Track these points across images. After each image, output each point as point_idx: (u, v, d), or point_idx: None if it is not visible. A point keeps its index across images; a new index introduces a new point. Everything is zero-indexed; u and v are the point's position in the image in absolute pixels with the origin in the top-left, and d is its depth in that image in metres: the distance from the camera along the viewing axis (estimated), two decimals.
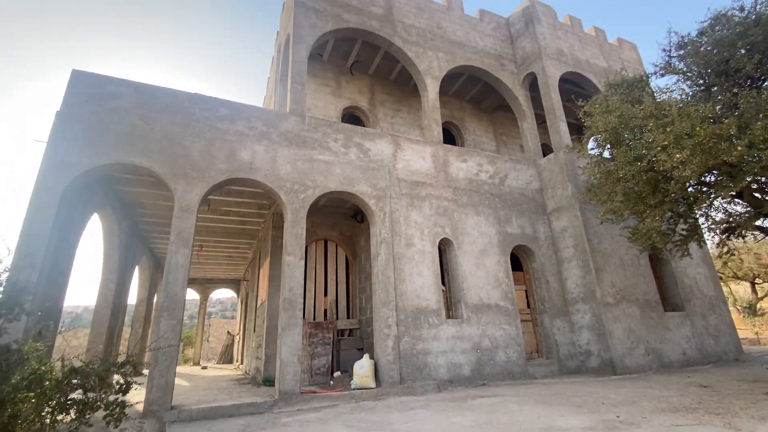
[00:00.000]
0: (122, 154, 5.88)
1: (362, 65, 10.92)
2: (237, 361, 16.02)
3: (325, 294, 9.39)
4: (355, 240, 10.01)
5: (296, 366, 5.95)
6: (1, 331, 2.52)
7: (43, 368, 2.22)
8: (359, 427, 4.30)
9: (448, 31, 10.33)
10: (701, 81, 6.49)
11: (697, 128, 4.46)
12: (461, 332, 7.43)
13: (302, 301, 6.37)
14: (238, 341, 16.40)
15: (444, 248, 8.34)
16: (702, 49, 6.22)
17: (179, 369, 15.95)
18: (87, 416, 2.40)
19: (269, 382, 7.69)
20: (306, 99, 7.87)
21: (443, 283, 8.14)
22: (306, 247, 9.16)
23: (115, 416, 2.40)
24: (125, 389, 2.52)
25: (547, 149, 12.52)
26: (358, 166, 7.68)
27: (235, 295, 20.92)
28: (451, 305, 8.05)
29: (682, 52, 6.66)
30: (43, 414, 2.21)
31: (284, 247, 6.58)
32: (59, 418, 2.31)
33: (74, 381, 2.37)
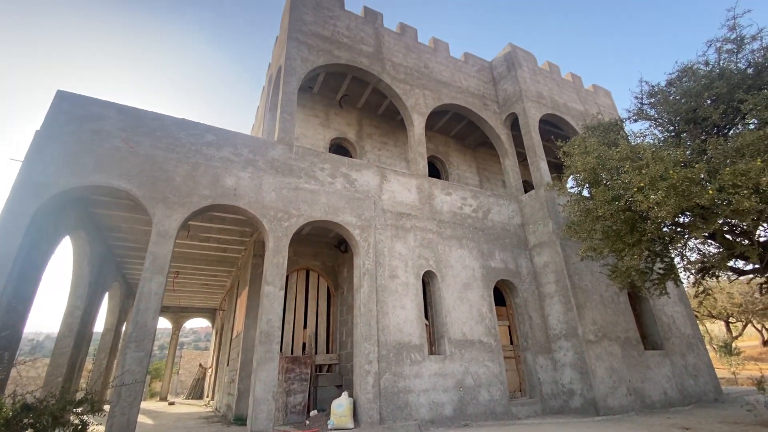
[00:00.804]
0: (101, 176, 5.73)
1: (351, 99, 11.20)
2: (207, 397, 15.10)
3: (305, 326, 9.09)
4: (337, 270, 9.85)
5: (270, 404, 5.63)
6: None
7: None
8: None
9: (434, 71, 10.78)
10: (671, 127, 6.89)
11: (671, 171, 4.67)
12: (444, 369, 7.23)
13: (280, 333, 6.13)
14: (210, 375, 15.54)
15: (428, 281, 8.28)
16: (671, 98, 6.65)
17: (145, 405, 14.89)
18: None
19: (241, 420, 7.23)
20: (294, 128, 7.95)
21: (426, 316, 8.01)
22: (287, 277, 8.96)
23: None
24: (81, 430, 2.30)
25: (528, 186, 12.89)
26: (344, 195, 7.69)
27: (210, 325, 20.03)
28: (434, 340, 7.88)
29: (653, 100, 7.11)
30: None
31: (264, 277, 6.40)
32: None
33: (25, 420, 2.14)
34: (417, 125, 9.57)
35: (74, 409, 2.35)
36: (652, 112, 7.19)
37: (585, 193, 7.52)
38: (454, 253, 8.48)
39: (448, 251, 8.43)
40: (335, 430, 5.98)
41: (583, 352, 7.87)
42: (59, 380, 7.61)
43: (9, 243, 4.90)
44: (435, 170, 12.35)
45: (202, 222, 8.31)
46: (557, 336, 8.52)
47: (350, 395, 6.59)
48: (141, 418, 9.22)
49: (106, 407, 7.68)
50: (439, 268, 8.14)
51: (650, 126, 7.15)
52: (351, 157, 10.57)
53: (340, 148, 10.99)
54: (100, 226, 8.38)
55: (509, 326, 9.22)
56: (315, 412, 7.35)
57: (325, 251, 9.81)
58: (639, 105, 7.29)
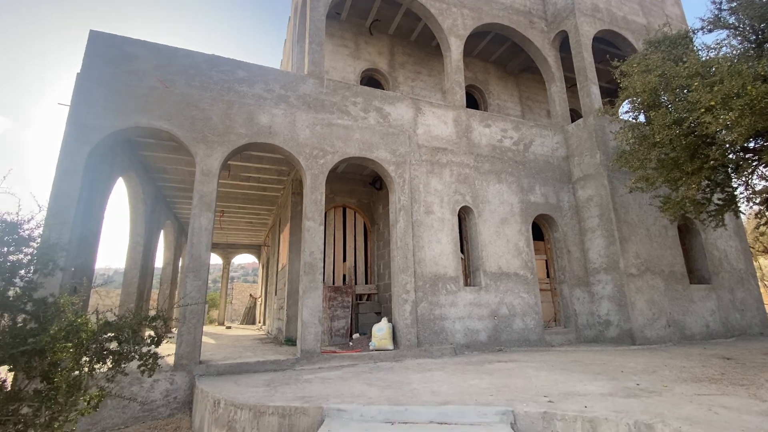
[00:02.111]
0: (142, 116, 5.88)
1: (382, 24, 10.43)
2: (259, 322, 16.72)
3: (344, 260, 9.52)
4: (373, 207, 9.99)
5: (317, 327, 6.12)
6: (37, 285, 2.62)
7: (79, 320, 2.32)
8: (378, 386, 4.43)
9: None
10: (754, 37, 5.91)
11: (749, 87, 4.09)
12: (479, 299, 7.45)
13: (322, 265, 6.46)
14: (260, 303, 17.04)
15: (464, 216, 8.23)
16: (757, 0, 5.62)
17: (205, 328, 16.78)
18: (123, 365, 2.53)
19: (291, 341, 7.99)
20: (324, 60, 7.62)
21: (462, 251, 8.10)
22: (325, 214, 9.22)
23: (149, 366, 2.51)
24: (157, 341, 2.63)
25: (575, 115, 11.94)
26: (378, 131, 7.50)
27: (256, 260, 21.56)
28: (469, 273, 8.04)
29: (733, 4, 6.05)
30: (81, 363, 2.34)
31: (304, 213, 6.60)
32: (96, 367, 2.44)
33: (109, 333, 2.48)
34: (454, 50, 8.86)
35: (151, 324, 2.66)
36: (732, 20, 6.15)
37: (641, 118, 6.86)
38: (491, 189, 8.27)
39: (486, 187, 8.23)
40: (376, 350, 6.48)
41: (623, 285, 7.77)
42: (131, 306, 8.63)
43: (70, 184, 5.29)
44: (473, 101, 11.66)
45: (241, 161, 8.51)
46: (596, 270, 8.41)
47: (389, 321, 7.01)
48: (204, 338, 10.44)
49: (174, 329, 8.74)
50: (476, 203, 8.02)
51: (728, 36, 6.17)
52: (383, 89, 10.13)
53: (371, 80, 10.52)
54: (148, 168, 8.83)
55: (546, 260, 9.17)
56: (357, 335, 7.96)
57: (361, 189, 9.89)
58: (716, 11, 6.25)
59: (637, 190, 6.62)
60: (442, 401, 3.68)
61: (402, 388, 4.28)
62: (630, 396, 3.73)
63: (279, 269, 10.76)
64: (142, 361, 2.44)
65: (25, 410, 2.23)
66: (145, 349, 2.53)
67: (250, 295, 21.14)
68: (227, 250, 19.49)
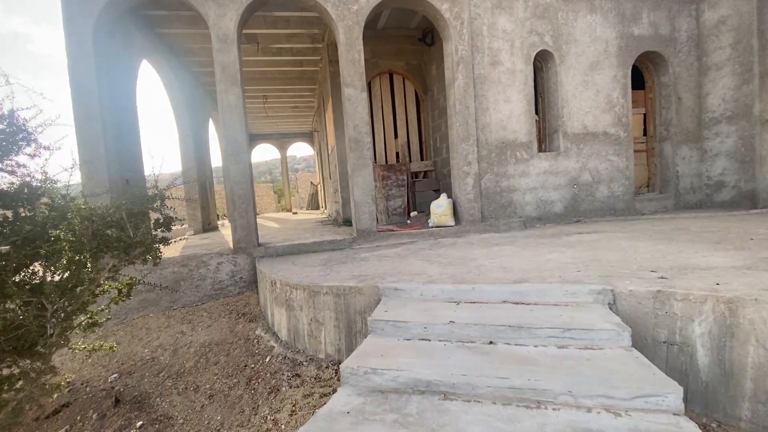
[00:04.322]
0: None
1: None
2: (322, 207, 17.33)
3: (395, 136, 8.62)
4: (424, 69, 8.50)
5: (371, 206, 5.67)
6: (49, 180, 2.18)
7: (66, 203, 1.92)
8: (439, 263, 3.97)
9: None
10: None
11: None
12: (555, 167, 6.35)
13: (370, 140, 5.67)
14: (320, 189, 17.40)
15: (540, 65, 6.58)
16: None
17: (272, 214, 17.92)
18: (129, 254, 2.19)
19: (348, 222, 7.86)
20: None
21: (536, 111, 6.70)
22: (369, 84, 8.05)
23: (151, 254, 2.16)
24: (165, 223, 2.23)
25: None
26: None
27: (312, 149, 21.46)
28: (544, 136, 6.77)
29: None
30: (80, 257, 2.01)
31: (342, 78, 5.58)
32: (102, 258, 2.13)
33: (108, 219, 2.10)
34: None
35: (151, 205, 2.22)
36: None
37: None
38: (580, 22, 6.31)
39: (573, 20, 6.28)
40: (436, 227, 6.00)
41: (752, 137, 6.06)
42: (196, 197, 8.91)
43: (84, 68, 4.75)
44: None
45: (266, 28, 7.33)
46: (715, 120, 6.61)
47: (449, 197, 6.36)
48: (269, 223, 10.93)
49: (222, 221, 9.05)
50: (558, 45, 6.25)
51: None
52: None
53: None
54: (173, 50, 8.05)
55: (645, 114, 7.42)
56: (415, 213, 7.53)
57: (408, 47, 8.30)
58: None
59: None
60: (516, 278, 3.09)
61: (467, 265, 3.77)
62: None
63: (329, 152, 10.26)
64: (143, 248, 2.06)
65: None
66: (147, 235, 2.13)
67: (311, 182, 21.70)
68: (281, 140, 19.42)
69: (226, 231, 8.86)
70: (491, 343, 2.43)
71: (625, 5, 6.44)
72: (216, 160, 11.77)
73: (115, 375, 3.54)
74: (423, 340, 2.55)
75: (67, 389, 3.32)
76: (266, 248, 5.41)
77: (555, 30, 6.22)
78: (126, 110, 5.71)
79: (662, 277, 2.79)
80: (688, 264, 3.13)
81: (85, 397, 3.22)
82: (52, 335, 1.99)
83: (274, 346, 3.85)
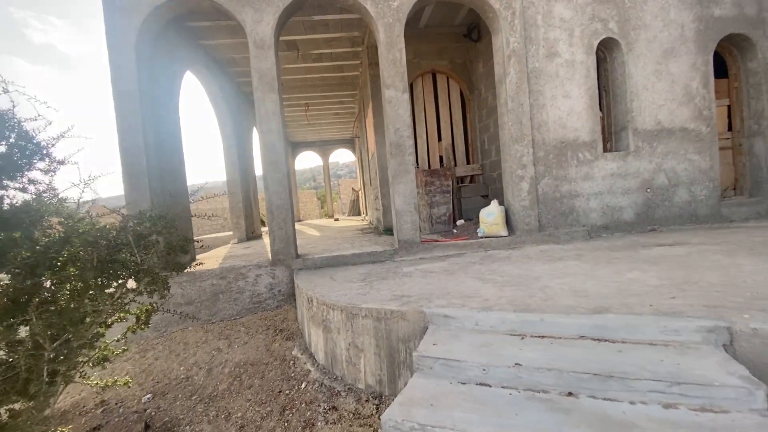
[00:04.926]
0: None
1: None
2: (363, 213, 17.15)
3: (439, 139, 8.16)
4: (470, 67, 7.98)
5: (413, 215, 5.27)
6: (58, 199, 2.02)
7: (66, 222, 1.72)
8: (495, 282, 3.47)
9: None
10: None
11: None
12: (624, 168, 5.59)
13: (412, 143, 5.28)
14: (361, 195, 17.25)
15: (604, 55, 5.87)
16: None
17: (314, 221, 17.99)
18: (130, 286, 1.96)
19: (389, 231, 7.50)
20: None
21: (599, 106, 5.98)
22: (411, 85, 7.69)
23: (155, 286, 1.91)
24: (168, 247, 1.97)
25: None
26: None
27: (353, 155, 21.46)
28: (609, 135, 6.02)
29: None
30: (87, 285, 1.80)
31: (382, 80, 5.25)
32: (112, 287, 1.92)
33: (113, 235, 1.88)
34: None
35: (151, 225, 1.97)
36: None
37: None
38: (650, 4, 5.54)
39: (642, 3, 5.53)
40: (486, 237, 5.47)
41: None
42: (240, 205, 8.98)
43: (127, 77, 4.79)
44: None
45: (305, 34, 7.20)
46: None
47: (500, 204, 5.80)
48: (310, 231, 10.84)
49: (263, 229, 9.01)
50: (625, 31, 5.52)
51: None
52: None
53: None
54: (216, 60, 8.17)
55: (729, 105, 6.42)
56: (462, 221, 7.02)
57: (452, 45, 7.84)
58: None
59: None
60: (594, 307, 2.55)
61: (529, 285, 3.25)
62: None
63: (369, 158, 10.00)
64: (149, 278, 1.81)
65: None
66: (154, 260, 1.87)
67: (353, 188, 21.68)
68: (324, 147, 19.58)
69: (268, 239, 8.84)
70: (570, 394, 1.93)
71: None
72: (260, 168, 11.95)
73: (148, 395, 3.40)
74: (482, 385, 2.10)
75: (100, 410, 3.21)
76: (305, 260, 5.18)
77: (621, 15, 5.50)
78: (169, 122, 5.76)
79: None
80: None
81: (116, 419, 3.09)
82: (56, 374, 1.80)
83: (310, 370, 3.55)
